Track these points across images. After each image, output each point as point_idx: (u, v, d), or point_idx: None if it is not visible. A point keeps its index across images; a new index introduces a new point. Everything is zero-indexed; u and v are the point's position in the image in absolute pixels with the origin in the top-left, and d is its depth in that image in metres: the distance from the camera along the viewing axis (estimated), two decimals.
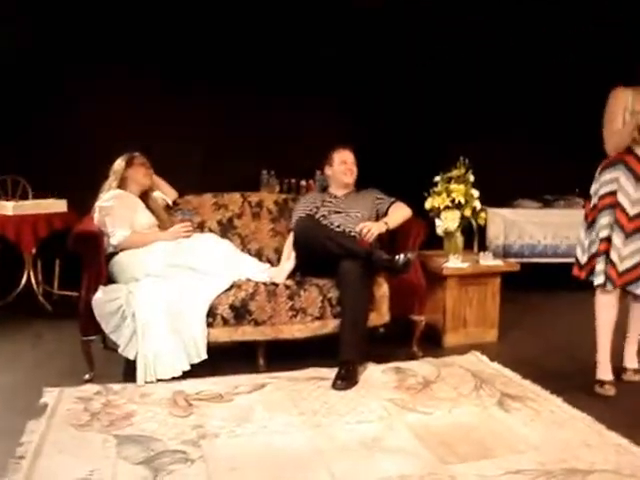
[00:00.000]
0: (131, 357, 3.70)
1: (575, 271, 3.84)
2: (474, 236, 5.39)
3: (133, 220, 4.11)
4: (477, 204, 4.62)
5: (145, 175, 4.30)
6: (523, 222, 6.04)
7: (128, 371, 3.79)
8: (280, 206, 4.76)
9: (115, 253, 4.01)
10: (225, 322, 3.81)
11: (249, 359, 3.96)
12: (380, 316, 4.09)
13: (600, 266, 3.64)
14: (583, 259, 3.80)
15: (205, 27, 5.96)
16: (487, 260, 4.65)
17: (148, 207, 4.31)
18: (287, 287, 3.95)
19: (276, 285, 3.95)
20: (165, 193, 4.54)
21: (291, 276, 4.11)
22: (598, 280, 3.65)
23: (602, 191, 3.68)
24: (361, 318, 3.88)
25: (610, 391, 3.74)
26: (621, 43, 4.50)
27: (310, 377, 3.79)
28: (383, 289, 4.07)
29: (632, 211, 3.59)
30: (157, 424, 3.15)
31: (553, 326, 5.08)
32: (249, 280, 3.99)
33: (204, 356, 3.74)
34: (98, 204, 4.07)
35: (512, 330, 4.87)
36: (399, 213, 4.38)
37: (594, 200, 3.74)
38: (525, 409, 3.39)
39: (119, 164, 4.24)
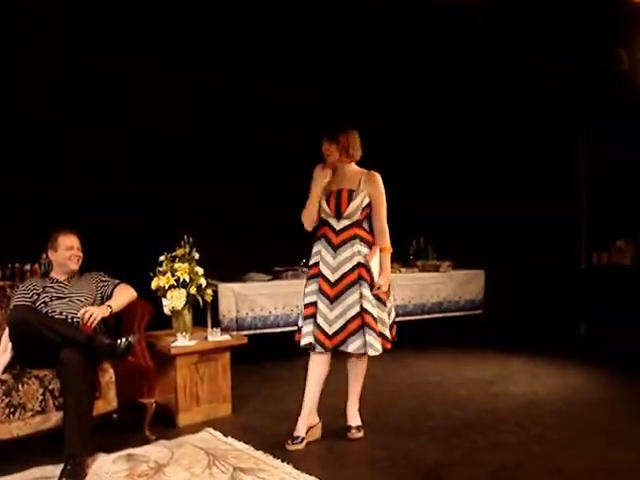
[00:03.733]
0: None
1: (295, 336, 4.20)
2: (206, 313, 5.44)
3: None
4: (203, 281, 4.71)
5: None
6: (254, 295, 6.20)
7: None
8: None
9: None
10: None
11: None
12: (107, 403, 3.95)
13: (308, 328, 4.02)
14: (299, 324, 4.17)
15: None
16: (215, 336, 4.72)
17: None
18: (3, 382, 3.67)
19: None
20: None
21: (8, 369, 3.84)
22: (305, 340, 4.03)
23: (311, 262, 4.14)
24: (85, 408, 3.70)
25: (293, 447, 4.00)
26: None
27: (32, 478, 3.56)
28: (109, 375, 3.95)
29: (333, 278, 4.01)
30: None
31: (287, 394, 5.19)
32: None
33: None
34: None
35: (246, 402, 4.95)
36: (123, 295, 4.31)
37: (308, 272, 4.18)
38: None
39: None
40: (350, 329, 3.96)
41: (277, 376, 5.84)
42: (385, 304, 4.09)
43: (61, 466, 3.52)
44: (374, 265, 4.01)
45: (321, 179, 4.05)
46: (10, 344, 3.94)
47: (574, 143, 7.38)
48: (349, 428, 4.22)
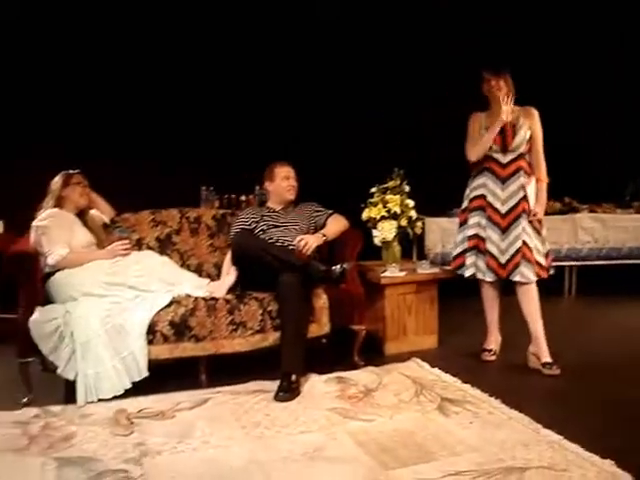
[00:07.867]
0: (71, 378, 3.65)
1: (450, 264, 4.51)
2: (412, 245, 5.46)
3: (70, 239, 4.02)
4: (413, 214, 4.70)
5: (81, 195, 4.22)
6: None
7: (69, 392, 3.71)
8: (218, 221, 4.76)
9: (52, 273, 3.93)
10: (165, 339, 3.79)
11: (191, 375, 3.94)
12: (320, 327, 4.12)
13: (471, 259, 4.30)
14: (454, 253, 4.45)
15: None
16: (424, 268, 4.75)
17: (85, 225, 4.23)
18: (227, 301, 3.95)
19: (216, 300, 3.95)
20: (102, 211, 4.46)
21: (231, 290, 4.11)
22: (469, 272, 4.34)
23: (472, 195, 4.30)
24: (301, 330, 3.92)
25: (489, 357, 4.48)
26: None
27: (252, 390, 3.80)
28: (322, 300, 4.11)
29: (503, 209, 4.18)
30: (98, 444, 3.12)
31: None
32: (189, 296, 3.98)
33: (145, 374, 3.71)
34: (34, 223, 3.98)
35: (451, 336, 4.96)
36: (336, 225, 4.44)
37: (465, 203, 4.37)
38: (464, 412, 3.47)
39: (56, 183, 4.16)
40: (517, 260, 4.14)
41: (480, 312, 5.77)
42: (539, 232, 4.24)
43: (277, 382, 3.72)
44: (530, 193, 4.20)
45: (505, 116, 4.09)
46: (233, 267, 4.20)
47: None
48: (543, 365, 4.17)
